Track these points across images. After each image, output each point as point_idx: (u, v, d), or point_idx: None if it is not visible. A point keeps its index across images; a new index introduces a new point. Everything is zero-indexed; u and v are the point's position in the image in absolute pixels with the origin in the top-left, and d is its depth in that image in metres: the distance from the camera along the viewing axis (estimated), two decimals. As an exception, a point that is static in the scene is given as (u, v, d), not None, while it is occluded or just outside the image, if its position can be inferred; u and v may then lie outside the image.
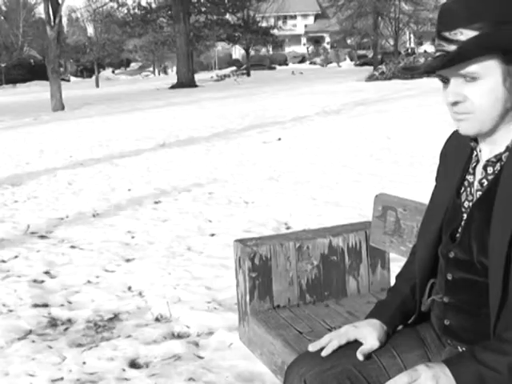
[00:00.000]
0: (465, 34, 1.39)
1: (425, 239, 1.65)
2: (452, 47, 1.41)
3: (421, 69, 1.49)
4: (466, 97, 1.44)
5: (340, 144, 9.90)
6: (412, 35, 49.54)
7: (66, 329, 3.48)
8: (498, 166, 1.48)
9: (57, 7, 21.95)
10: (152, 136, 12.16)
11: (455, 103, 1.45)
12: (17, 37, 55.73)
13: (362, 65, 49.58)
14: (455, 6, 1.43)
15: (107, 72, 60.07)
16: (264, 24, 47.09)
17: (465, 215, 1.53)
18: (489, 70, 1.40)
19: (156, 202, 6.53)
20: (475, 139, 1.53)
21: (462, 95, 1.44)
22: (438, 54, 1.45)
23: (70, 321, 3.59)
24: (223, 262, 4.38)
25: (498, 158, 1.48)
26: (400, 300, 1.70)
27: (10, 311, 3.75)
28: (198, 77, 37.64)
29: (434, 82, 19.13)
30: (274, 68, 54.03)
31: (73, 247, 5.05)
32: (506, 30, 1.36)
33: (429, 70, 1.45)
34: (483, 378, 1.36)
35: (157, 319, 3.54)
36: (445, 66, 1.41)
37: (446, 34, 1.42)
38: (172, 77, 40.75)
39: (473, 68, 1.40)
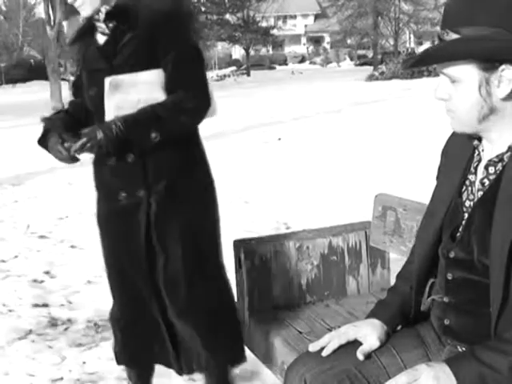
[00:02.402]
0: (449, 36, 1.41)
1: (424, 238, 1.65)
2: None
3: (407, 63, 1.53)
4: (450, 96, 1.46)
5: (340, 144, 9.90)
6: (412, 35, 49.55)
7: (65, 329, 3.48)
8: (499, 166, 1.48)
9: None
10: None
11: (442, 100, 1.48)
12: (17, 37, 55.71)
13: (361, 65, 49.56)
14: (455, 4, 1.44)
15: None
16: (264, 24, 47.08)
17: (466, 215, 1.53)
18: (466, 75, 1.41)
19: (156, 202, 6.53)
20: (478, 138, 1.54)
21: (447, 94, 1.47)
22: None
23: (69, 321, 3.59)
24: (223, 262, 4.37)
25: (500, 157, 1.48)
26: (400, 300, 1.70)
27: (10, 311, 3.75)
28: (197, 77, 37.58)
29: (434, 82, 19.10)
30: (274, 68, 54.01)
31: (73, 247, 5.05)
32: (484, 39, 1.37)
33: (405, 67, 1.53)
34: (484, 378, 1.36)
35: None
36: (415, 65, 1.47)
37: (439, 32, 1.45)
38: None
39: (452, 70, 1.43)
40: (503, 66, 1.38)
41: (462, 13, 1.40)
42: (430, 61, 1.44)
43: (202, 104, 2.18)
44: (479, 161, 1.55)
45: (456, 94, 1.45)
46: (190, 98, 2.15)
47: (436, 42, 1.47)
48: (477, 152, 1.56)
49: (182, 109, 2.15)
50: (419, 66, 1.46)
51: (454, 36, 1.40)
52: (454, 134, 1.68)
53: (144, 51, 2.14)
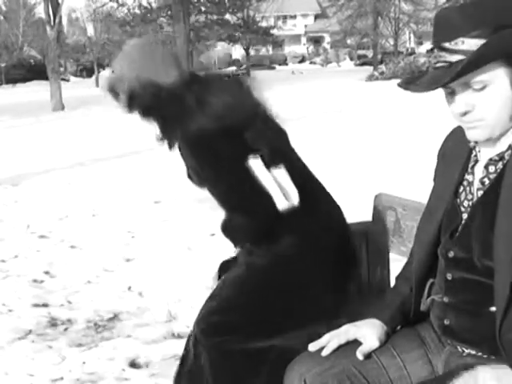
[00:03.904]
0: (466, 43, 1.38)
1: (423, 239, 1.65)
2: (455, 57, 1.40)
3: (424, 84, 1.46)
4: (474, 105, 1.43)
5: (340, 143, 9.90)
6: (412, 35, 49.55)
7: (65, 329, 3.48)
8: (500, 165, 1.48)
9: (57, 7, 21.93)
10: (152, 136, 12.14)
11: (464, 113, 1.44)
12: (17, 37, 55.69)
13: (361, 65, 49.55)
14: (451, 14, 1.41)
15: (107, 72, 60.04)
16: (264, 24, 47.04)
17: (465, 215, 1.53)
18: (496, 75, 1.40)
19: (156, 202, 6.53)
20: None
21: (470, 104, 1.43)
22: (438, 64, 1.43)
23: (69, 321, 3.59)
24: (223, 262, 4.38)
25: (501, 156, 1.48)
26: (400, 300, 1.70)
27: (10, 311, 3.75)
28: (197, 77, 37.57)
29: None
30: (274, 68, 54.00)
31: (73, 247, 5.05)
32: (506, 37, 1.36)
33: (436, 86, 1.42)
34: None
35: (157, 319, 3.54)
36: (455, 78, 1.39)
37: (447, 45, 1.41)
38: (172, 77, 40.66)
39: (480, 77, 1.40)
40: None
41: (468, 18, 1.38)
42: (472, 68, 1.38)
43: (244, 226, 2.11)
44: (476, 161, 1.55)
45: (483, 100, 1.42)
46: (235, 220, 2.12)
47: (444, 57, 1.43)
48: (474, 153, 1.56)
49: (235, 229, 2.15)
50: (458, 78, 1.40)
51: (476, 41, 1.37)
52: (450, 136, 1.68)
53: (192, 169, 2.18)
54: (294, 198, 2.11)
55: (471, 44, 1.38)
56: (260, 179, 2.07)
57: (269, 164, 2.10)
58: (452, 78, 1.39)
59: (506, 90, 1.41)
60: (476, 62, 1.37)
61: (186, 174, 2.27)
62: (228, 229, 2.15)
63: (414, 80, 1.50)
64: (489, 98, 1.42)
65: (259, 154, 2.09)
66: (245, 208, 2.08)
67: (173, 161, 8.80)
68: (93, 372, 2.97)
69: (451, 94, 1.46)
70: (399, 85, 1.52)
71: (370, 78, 28.65)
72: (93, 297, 3.92)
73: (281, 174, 2.12)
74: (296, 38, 67.59)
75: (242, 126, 2.09)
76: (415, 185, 6.42)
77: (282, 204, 2.08)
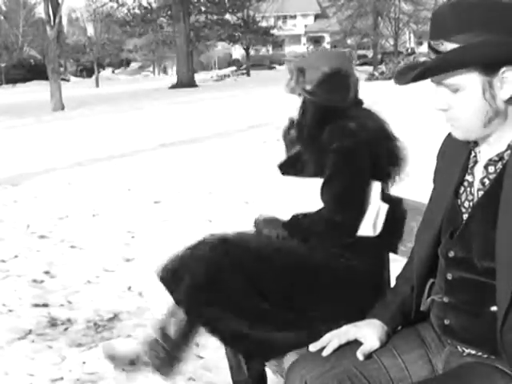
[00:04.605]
0: (445, 46, 1.41)
1: (424, 240, 1.65)
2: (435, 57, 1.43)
3: (407, 78, 1.49)
4: (450, 105, 1.46)
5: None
6: (412, 35, 49.60)
7: (65, 329, 3.48)
8: (499, 165, 1.48)
9: (57, 7, 21.93)
10: (152, 136, 12.17)
11: (442, 110, 1.47)
12: (17, 37, 55.74)
13: (361, 65, 49.54)
14: (443, 14, 1.43)
15: (107, 72, 60.08)
16: (264, 24, 47.09)
17: (465, 215, 1.53)
18: (469, 81, 1.41)
19: (156, 202, 6.53)
20: (474, 141, 1.54)
21: (446, 104, 1.46)
22: None
23: (69, 321, 3.59)
24: (223, 262, 4.38)
25: (500, 156, 1.48)
26: (400, 300, 1.70)
27: (10, 311, 3.75)
28: (197, 77, 37.62)
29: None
30: (274, 68, 54.01)
31: (73, 247, 5.05)
32: (484, 44, 1.37)
33: (403, 82, 1.47)
34: None
35: (157, 319, 3.53)
36: (416, 79, 1.43)
37: (432, 43, 1.44)
38: (172, 77, 40.80)
39: (453, 80, 1.42)
40: (504, 68, 1.39)
41: (454, 21, 1.40)
42: (434, 72, 1.42)
43: (330, 229, 2.19)
44: (475, 162, 1.55)
45: (457, 103, 1.44)
46: (320, 221, 2.21)
47: (430, 54, 1.45)
48: (473, 154, 1.56)
49: (312, 232, 2.24)
50: (421, 80, 1.43)
51: (451, 45, 1.39)
52: (449, 137, 1.68)
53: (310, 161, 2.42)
54: (377, 231, 2.22)
55: (447, 48, 1.40)
56: (370, 200, 2.22)
57: (381, 196, 2.26)
58: (410, 79, 1.43)
59: (477, 98, 1.42)
60: (439, 67, 1.41)
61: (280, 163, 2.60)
62: (313, 215, 2.24)
63: (406, 72, 1.52)
64: (462, 102, 1.44)
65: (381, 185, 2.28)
66: (342, 212, 2.17)
67: (173, 161, 8.80)
68: (93, 372, 2.97)
69: (435, 90, 1.49)
70: (395, 76, 1.54)
71: (370, 77, 28.64)
72: (93, 297, 3.92)
73: (384, 208, 2.24)
74: (296, 38, 67.60)
75: (382, 156, 2.37)
76: (415, 185, 6.42)
77: (365, 230, 2.19)
